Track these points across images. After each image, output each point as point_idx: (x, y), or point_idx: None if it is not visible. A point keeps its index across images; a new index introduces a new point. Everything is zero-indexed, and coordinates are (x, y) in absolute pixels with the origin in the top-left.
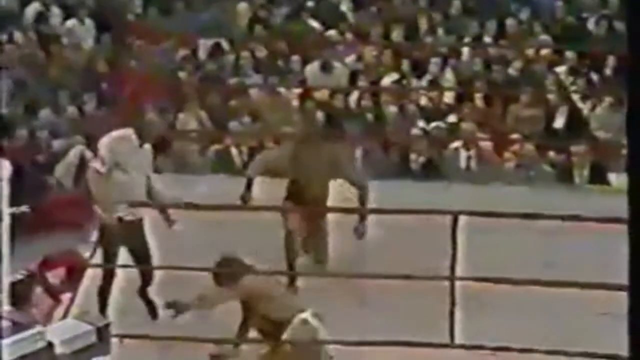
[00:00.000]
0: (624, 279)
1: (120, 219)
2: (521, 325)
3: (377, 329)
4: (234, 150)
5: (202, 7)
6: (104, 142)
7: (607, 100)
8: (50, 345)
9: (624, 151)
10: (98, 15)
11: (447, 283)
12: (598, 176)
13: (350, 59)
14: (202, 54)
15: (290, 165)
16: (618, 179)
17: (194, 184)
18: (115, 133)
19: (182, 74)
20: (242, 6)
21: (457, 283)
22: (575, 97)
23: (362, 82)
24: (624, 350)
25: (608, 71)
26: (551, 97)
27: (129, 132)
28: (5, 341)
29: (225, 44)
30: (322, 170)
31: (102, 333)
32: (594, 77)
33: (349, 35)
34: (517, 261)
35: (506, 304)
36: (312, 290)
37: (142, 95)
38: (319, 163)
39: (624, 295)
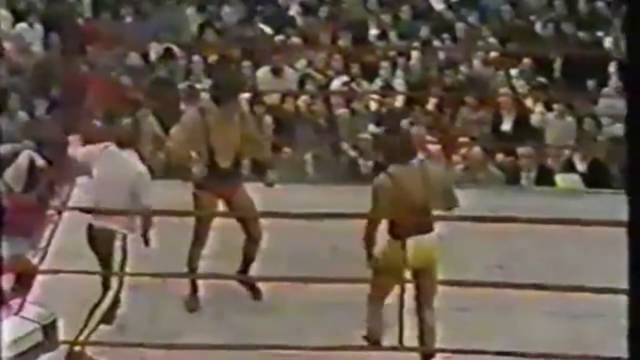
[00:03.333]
0: (578, 279)
1: None
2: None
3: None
4: None
5: (152, 12)
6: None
7: (555, 102)
8: None
9: (567, 153)
10: (48, 19)
11: None
12: (544, 178)
13: (300, 63)
14: (153, 59)
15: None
16: (563, 180)
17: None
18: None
19: (132, 79)
20: (193, 11)
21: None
22: (523, 99)
23: (311, 86)
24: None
25: (556, 74)
26: (499, 100)
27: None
28: None
29: (176, 49)
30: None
31: (49, 331)
32: (542, 79)
33: (296, 39)
34: (468, 263)
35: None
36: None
37: (99, 100)
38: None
39: (575, 295)
